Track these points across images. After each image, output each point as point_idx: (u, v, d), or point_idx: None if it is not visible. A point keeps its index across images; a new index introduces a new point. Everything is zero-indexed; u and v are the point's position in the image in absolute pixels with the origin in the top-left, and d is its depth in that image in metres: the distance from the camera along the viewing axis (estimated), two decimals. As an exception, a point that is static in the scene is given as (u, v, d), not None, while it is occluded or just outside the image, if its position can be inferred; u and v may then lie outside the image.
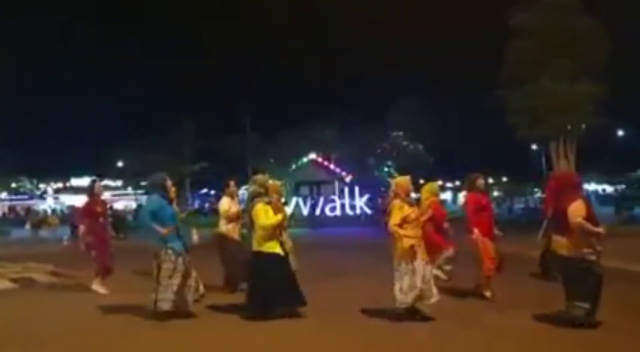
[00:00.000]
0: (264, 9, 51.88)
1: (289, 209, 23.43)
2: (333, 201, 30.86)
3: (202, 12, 63.96)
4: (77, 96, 56.63)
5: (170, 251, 6.52)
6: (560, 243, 5.88)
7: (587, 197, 6.94)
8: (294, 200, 29.48)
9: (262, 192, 6.74)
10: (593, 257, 5.67)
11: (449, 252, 8.62)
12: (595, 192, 51.64)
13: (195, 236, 7.79)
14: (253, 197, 6.72)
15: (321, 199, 30.92)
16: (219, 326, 6.36)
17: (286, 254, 6.82)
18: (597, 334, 5.53)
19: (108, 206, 10.49)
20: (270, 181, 10.02)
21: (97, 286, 8.60)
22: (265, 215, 6.54)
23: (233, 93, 41.07)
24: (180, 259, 6.55)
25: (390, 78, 47.85)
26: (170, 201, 6.83)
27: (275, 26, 51.40)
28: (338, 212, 30.51)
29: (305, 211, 30.01)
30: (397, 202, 6.33)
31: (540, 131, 17.70)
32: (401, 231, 6.19)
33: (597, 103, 16.78)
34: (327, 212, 30.35)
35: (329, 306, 6.95)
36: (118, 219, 23.84)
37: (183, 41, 63.99)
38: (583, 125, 17.88)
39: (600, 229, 5.68)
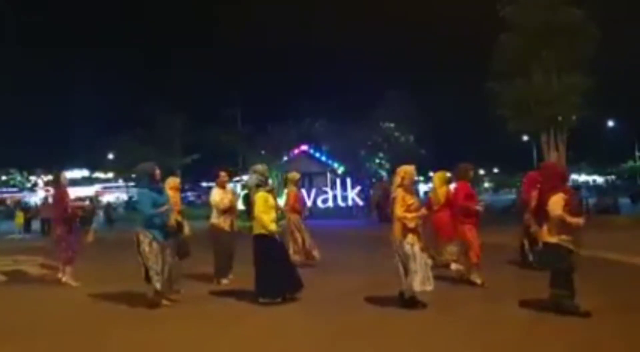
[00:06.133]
0: (255, 4, 51.68)
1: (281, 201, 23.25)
2: (325, 192, 30.88)
3: (199, 9, 63.57)
4: (68, 89, 56.35)
5: (150, 235, 6.63)
6: (544, 232, 5.95)
7: (573, 189, 7.00)
8: (285, 192, 29.37)
9: (263, 181, 6.91)
10: (571, 246, 5.74)
11: (455, 245, 8.48)
12: (587, 183, 52.01)
13: (186, 228, 7.78)
14: (257, 186, 6.87)
15: (313, 191, 30.90)
16: (206, 315, 6.37)
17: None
18: (581, 322, 5.56)
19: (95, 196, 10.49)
20: (291, 174, 10.32)
21: (68, 278, 8.49)
22: (264, 204, 6.71)
23: (224, 85, 41.01)
24: (157, 245, 6.65)
25: (380, 70, 47.89)
26: (159, 190, 6.94)
27: (265, 20, 51.26)
28: (330, 203, 30.55)
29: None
30: (400, 192, 6.30)
31: (531, 123, 17.78)
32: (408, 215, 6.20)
33: (586, 95, 16.86)
34: (320, 203, 30.38)
35: (319, 296, 6.98)
36: (92, 212, 23.63)
37: (175, 36, 63.64)
38: (573, 117, 17.95)
39: (578, 220, 5.75)
